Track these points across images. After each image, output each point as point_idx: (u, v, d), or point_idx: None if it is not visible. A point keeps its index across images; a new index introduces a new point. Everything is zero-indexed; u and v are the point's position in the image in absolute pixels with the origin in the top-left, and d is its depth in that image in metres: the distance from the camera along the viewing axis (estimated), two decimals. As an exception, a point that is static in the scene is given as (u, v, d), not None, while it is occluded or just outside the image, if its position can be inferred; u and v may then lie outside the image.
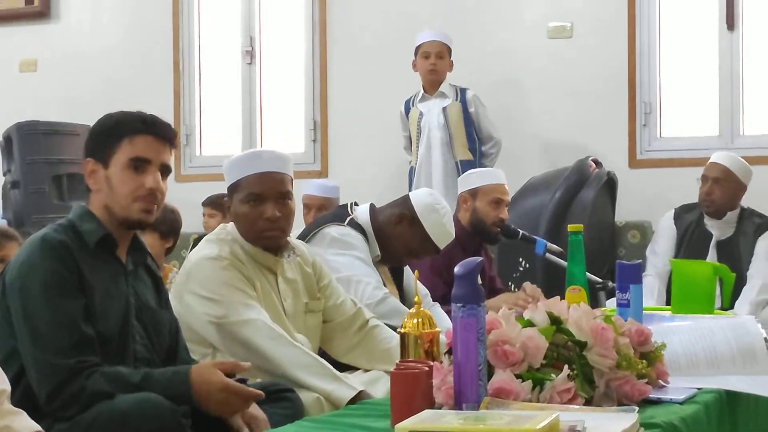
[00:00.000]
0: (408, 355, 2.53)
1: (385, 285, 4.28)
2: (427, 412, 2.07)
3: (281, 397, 3.07)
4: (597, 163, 6.62)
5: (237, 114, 8.30)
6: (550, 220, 6.16)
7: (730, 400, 2.70)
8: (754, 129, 7.01)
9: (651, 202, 6.31)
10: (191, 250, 7.52)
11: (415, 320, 2.56)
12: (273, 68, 8.30)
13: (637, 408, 2.23)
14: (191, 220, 7.15)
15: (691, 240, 6.06)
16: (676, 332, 2.87)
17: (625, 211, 6.78)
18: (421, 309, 2.60)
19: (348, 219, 4.29)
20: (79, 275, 2.81)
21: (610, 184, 6.64)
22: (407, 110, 6.91)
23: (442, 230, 4.33)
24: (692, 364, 2.79)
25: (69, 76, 8.52)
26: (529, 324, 2.38)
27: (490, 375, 2.24)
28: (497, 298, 4.78)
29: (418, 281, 2.77)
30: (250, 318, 3.32)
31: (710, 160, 6.08)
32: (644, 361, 2.46)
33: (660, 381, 2.55)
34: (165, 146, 2.98)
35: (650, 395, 2.42)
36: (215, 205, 7.67)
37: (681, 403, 2.44)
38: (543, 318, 2.40)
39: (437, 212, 4.32)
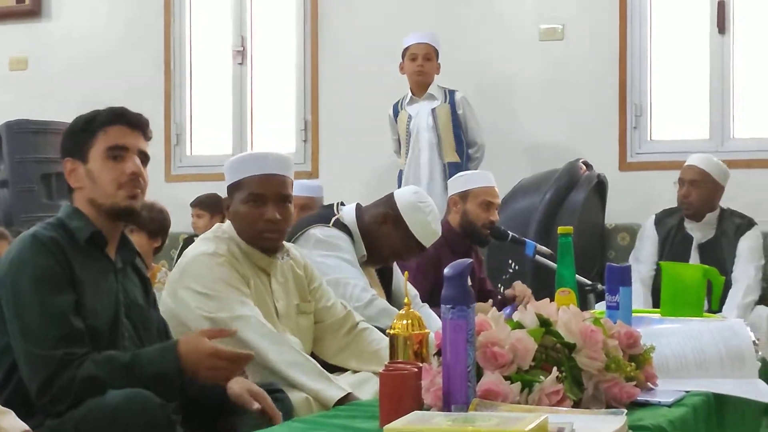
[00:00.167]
0: (397, 356, 2.53)
1: (371, 286, 4.27)
2: (415, 414, 2.07)
3: (272, 397, 3.07)
4: (587, 165, 6.62)
5: (227, 114, 8.29)
6: (540, 222, 6.16)
7: (718, 403, 2.71)
8: (744, 132, 7.02)
9: (641, 205, 6.31)
10: (181, 249, 7.56)
11: (404, 321, 2.56)
12: (264, 68, 8.29)
13: (625, 410, 2.23)
14: (181, 220, 7.14)
15: (673, 244, 6.08)
16: (665, 335, 2.88)
17: (614, 214, 6.79)
18: (411, 310, 2.60)
19: (333, 219, 4.26)
20: (69, 271, 2.83)
21: (600, 187, 6.65)
22: (396, 114, 6.91)
23: (426, 229, 4.28)
24: (681, 367, 2.79)
25: (59, 74, 8.51)
26: (519, 326, 2.38)
27: (478, 376, 2.24)
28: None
29: (407, 282, 2.77)
30: (244, 314, 3.33)
31: (686, 163, 6.11)
32: (633, 363, 2.46)
33: (648, 383, 2.55)
34: (139, 134, 3.04)
35: (639, 398, 2.42)
36: (203, 205, 7.67)
37: (669, 406, 2.44)
38: (532, 320, 2.40)
39: (421, 211, 4.27)
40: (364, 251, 4.29)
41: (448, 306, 2.20)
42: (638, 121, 7.15)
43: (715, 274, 3.65)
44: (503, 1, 7.44)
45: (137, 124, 3.04)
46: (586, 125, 7.18)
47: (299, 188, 6.82)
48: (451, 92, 6.80)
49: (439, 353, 2.28)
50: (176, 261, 7.35)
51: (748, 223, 6.08)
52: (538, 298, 2.58)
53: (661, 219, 6.21)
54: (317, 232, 4.19)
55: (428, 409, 2.24)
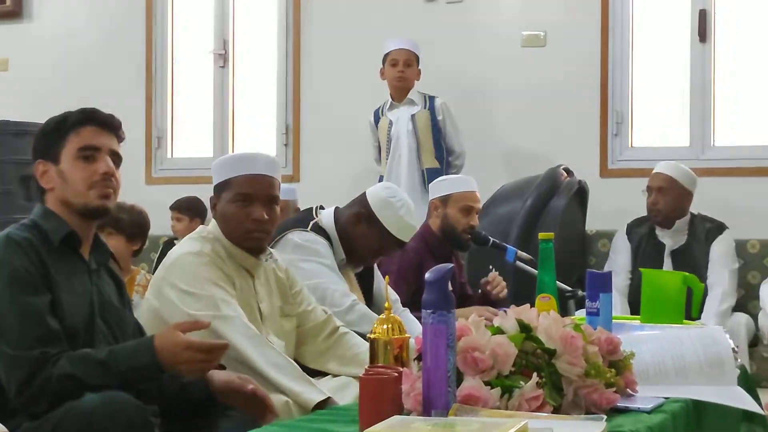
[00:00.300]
0: (377, 360, 2.53)
1: (351, 291, 4.26)
2: (395, 418, 2.07)
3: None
4: (568, 171, 6.63)
5: (208, 117, 8.29)
6: (521, 228, 6.17)
7: (697, 409, 2.71)
8: (724, 140, 7.05)
9: (621, 212, 6.32)
10: (160, 252, 7.54)
11: (384, 326, 2.56)
12: (245, 72, 8.29)
13: (605, 416, 2.23)
14: (161, 223, 7.13)
15: (645, 252, 6.10)
16: (645, 341, 2.88)
17: (595, 220, 6.80)
18: (391, 315, 2.59)
19: (311, 224, 4.26)
20: (44, 271, 2.82)
21: (581, 193, 6.66)
22: (377, 120, 6.92)
23: (400, 223, 4.27)
24: (660, 374, 2.80)
25: (40, 76, 8.49)
26: (499, 331, 2.38)
27: (459, 381, 2.24)
28: (467, 309, 4.73)
29: (388, 286, 2.76)
30: (228, 314, 3.33)
31: (653, 171, 6.14)
32: (613, 369, 2.46)
33: (628, 390, 2.55)
34: (110, 135, 3.03)
35: (618, 404, 2.42)
36: (182, 208, 7.65)
37: (648, 412, 2.44)
38: (513, 325, 2.40)
39: (393, 206, 4.25)
40: (343, 254, 4.28)
41: (428, 311, 2.20)
42: (619, 128, 7.18)
43: (695, 281, 3.65)
44: (485, 8, 7.45)
45: (109, 124, 3.03)
46: (567, 132, 7.19)
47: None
48: (431, 98, 6.82)
49: (419, 358, 2.27)
50: (156, 264, 7.36)
51: (718, 228, 6.11)
52: (518, 303, 2.57)
53: (631, 228, 6.25)
54: (295, 237, 4.18)
55: (408, 414, 2.23)
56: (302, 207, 4.42)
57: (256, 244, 3.53)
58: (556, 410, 2.28)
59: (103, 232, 4.94)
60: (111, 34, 8.43)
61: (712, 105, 7.05)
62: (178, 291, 3.37)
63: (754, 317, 6.04)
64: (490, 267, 5.22)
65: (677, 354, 2.85)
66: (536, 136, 7.27)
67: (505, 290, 5.08)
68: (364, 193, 4.37)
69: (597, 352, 2.44)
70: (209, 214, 7.62)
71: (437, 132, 6.77)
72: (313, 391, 3.23)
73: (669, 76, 7.19)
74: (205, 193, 7.50)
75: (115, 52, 8.40)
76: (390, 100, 6.88)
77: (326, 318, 3.74)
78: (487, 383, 2.25)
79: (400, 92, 6.83)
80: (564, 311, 4.30)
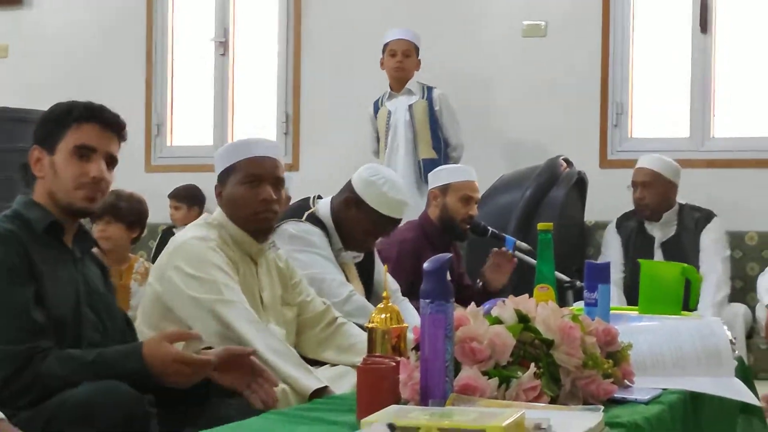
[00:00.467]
0: (375, 350, 2.53)
1: (349, 281, 4.26)
2: (393, 408, 2.07)
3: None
4: (568, 162, 6.63)
5: (209, 105, 8.28)
6: (520, 218, 6.17)
7: (695, 400, 2.72)
8: (724, 131, 7.05)
9: (621, 203, 6.32)
10: (159, 240, 7.55)
11: (383, 315, 2.56)
12: (246, 60, 8.29)
13: (602, 407, 2.23)
14: (159, 211, 7.13)
15: (635, 246, 6.12)
16: (642, 332, 2.88)
17: (594, 211, 6.80)
18: (390, 304, 2.59)
19: (306, 214, 4.26)
20: (28, 262, 2.80)
21: (580, 184, 6.65)
22: (376, 110, 6.92)
23: (387, 200, 4.25)
24: (658, 365, 2.80)
25: (40, 63, 8.48)
26: (497, 321, 2.38)
27: (456, 371, 2.24)
28: None
29: (388, 275, 2.76)
30: (231, 299, 3.33)
31: (636, 166, 6.16)
32: (610, 360, 2.47)
33: (625, 381, 2.55)
34: (112, 136, 2.99)
35: (615, 395, 2.42)
36: (180, 197, 7.67)
37: (646, 403, 2.45)
38: (511, 315, 2.40)
39: (375, 185, 4.25)
40: (340, 243, 4.28)
41: (426, 300, 2.20)
42: (619, 119, 7.17)
43: (693, 272, 3.65)
44: (486, -3, 7.45)
45: (112, 125, 2.99)
46: (567, 122, 7.19)
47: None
48: (430, 89, 6.81)
49: (417, 348, 2.27)
50: (155, 252, 7.36)
51: (707, 216, 6.12)
52: (517, 293, 2.57)
53: (620, 223, 6.27)
54: (290, 227, 4.18)
55: (406, 404, 2.23)
56: (302, 195, 4.41)
57: (264, 225, 3.54)
58: (554, 401, 2.29)
59: (102, 220, 4.95)
60: (111, 21, 8.41)
61: (712, 96, 7.05)
62: (183, 274, 3.37)
63: (752, 309, 6.04)
64: (489, 257, 5.23)
65: (675, 345, 2.85)
66: (536, 127, 7.27)
67: (514, 260, 5.08)
68: (350, 179, 4.37)
69: (595, 342, 2.44)
70: (207, 203, 7.67)
71: (434, 122, 6.76)
72: (311, 379, 3.24)
73: (669, 67, 7.19)
74: (204, 182, 7.58)
75: (115, 39, 8.38)
76: (389, 90, 6.88)
77: (325, 308, 3.75)
78: (484, 373, 2.25)
79: (398, 82, 6.83)
80: (562, 302, 4.30)
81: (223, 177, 3.57)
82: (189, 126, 8.42)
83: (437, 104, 6.78)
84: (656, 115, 7.23)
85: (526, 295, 2.54)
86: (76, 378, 2.70)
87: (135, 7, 8.33)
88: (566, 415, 2.13)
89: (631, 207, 6.25)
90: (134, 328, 3.19)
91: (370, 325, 2.57)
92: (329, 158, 7.60)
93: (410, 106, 6.76)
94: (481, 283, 5.16)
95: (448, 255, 2.29)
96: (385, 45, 6.85)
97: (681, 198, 6.20)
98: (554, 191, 6.40)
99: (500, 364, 2.28)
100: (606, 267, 3.06)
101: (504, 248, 5.13)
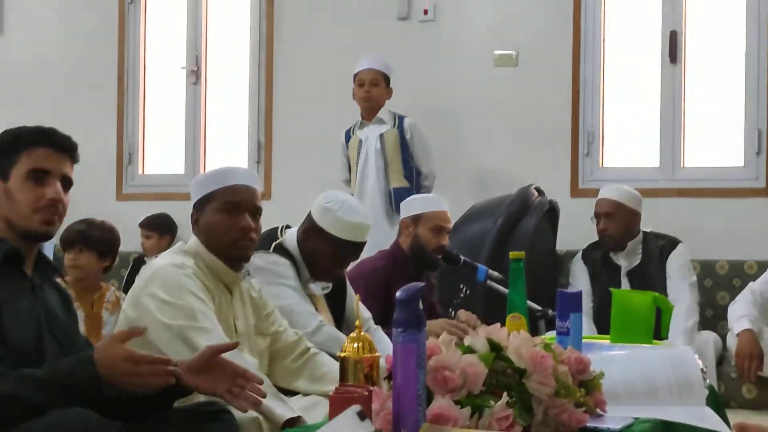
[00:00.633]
0: (348, 379, 2.53)
1: (318, 311, 4.23)
2: (365, 438, 2.06)
3: (217, 418, 3.04)
4: (539, 191, 6.65)
5: (180, 134, 8.27)
6: (492, 247, 6.17)
7: (666, 429, 2.72)
8: (694, 161, 7.09)
9: (592, 232, 6.34)
10: (131, 269, 7.51)
11: (355, 344, 2.56)
12: (218, 88, 8.28)
13: (574, 436, 2.23)
14: (131, 240, 7.11)
15: (602, 275, 6.15)
16: (614, 361, 2.89)
17: (566, 240, 6.82)
18: (362, 333, 2.59)
19: (274, 245, 4.25)
20: None
21: (551, 213, 6.67)
22: (347, 139, 6.93)
23: (345, 224, 4.20)
24: (630, 394, 2.80)
25: (11, 91, 8.45)
26: (470, 350, 2.38)
27: (429, 401, 2.24)
28: (434, 322, 4.67)
29: (360, 304, 2.76)
30: (206, 326, 3.32)
31: (598, 197, 6.19)
32: (583, 389, 2.47)
33: (598, 410, 2.55)
34: (65, 158, 2.96)
35: (588, 424, 2.42)
36: (152, 226, 7.65)
37: (618, 432, 2.45)
38: (483, 344, 2.40)
39: (331, 210, 4.22)
40: (309, 274, 4.27)
41: (399, 329, 2.20)
42: (590, 148, 7.21)
43: (665, 301, 3.66)
44: (458, 27, 7.47)
45: (64, 147, 2.97)
46: (538, 151, 7.22)
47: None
48: (401, 117, 6.83)
49: (389, 377, 2.27)
50: (126, 281, 7.31)
51: (671, 243, 6.16)
52: (489, 323, 2.57)
53: (587, 253, 6.30)
54: (257, 260, 4.13)
55: (378, 433, 2.23)
56: (274, 224, 4.39)
57: (241, 254, 3.54)
58: (526, 430, 2.29)
59: (73, 249, 4.93)
60: (83, 49, 8.40)
61: (682, 126, 7.09)
62: (158, 301, 3.36)
63: (723, 337, 6.07)
64: (461, 287, 5.22)
65: (647, 374, 2.86)
66: (508, 156, 7.29)
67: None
68: (311, 209, 4.36)
69: (567, 371, 2.44)
70: (179, 231, 7.64)
71: (405, 151, 6.77)
72: (284, 408, 3.23)
73: (640, 97, 7.23)
74: (176, 211, 7.57)
75: (87, 67, 8.37)
76: (360, 119, 6.89)
77: (297, 339, 3.75)
78: (457, 402, 2.25)
79: (369, 112, 6.85)
80: (534, 331, 4.31)
81: (201, 204, 3.57)
82: (160, 155, 8.40)
83: (408, 133, 6.79)
84: (627, 145, 7.27)
85: (498, 324, 2.54)
86: (30, 394, 2.62)
87: (106, 35, 8.33)
88: (539, 445, 2.13)
89: (599, 237, 6.28)
90: None
91: (343, 354, 2.56)
92: (301, 187, 7.59)
93: (381, 135, 6.78)
94: (454, 314, 5.15)
95: (421, 284, 2.29)
96: (355, 75, 6.87)
97: (652, 227, 6.23)
98: (526, 220, 6.41)
99: (473, 393, 2.28)
100: (578, 296, 3.07)
101: (461, 312, 5.09)
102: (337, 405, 2.27)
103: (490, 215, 6.43)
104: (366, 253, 5.32)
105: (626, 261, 6.15)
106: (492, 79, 7.38)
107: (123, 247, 5.32)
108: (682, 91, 7.09)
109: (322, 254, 4.24)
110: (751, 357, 5.72)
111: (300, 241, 4.27)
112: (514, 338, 2.43)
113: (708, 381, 3.08)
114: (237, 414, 3.06)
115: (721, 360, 6.09)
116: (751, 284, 5.95)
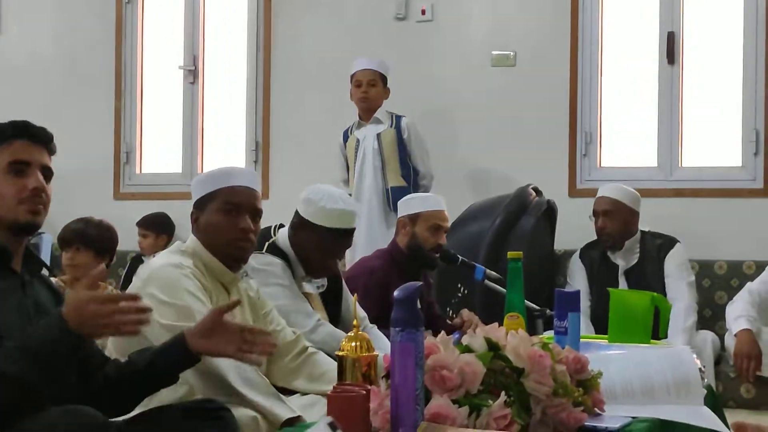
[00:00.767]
0: (345, 378, 2.52)
1: (314, 309, 4.24)
2: (363, 436, 2.06)
3: (216, 416, 3.04)
4: (537, 191, 6.65)
5: (178, 133, 8.26)
6: (490, 247, 6.17)
7: (664, 429, 2.72)
8: (692, 161, 7.09)
9: (590, 231, 6.34)
10: (128, 268, 7.50)
11: (353, 343, 2.55)
12: (215, 88, 8.27)
13: (572, 435, 2.23)
14: (129, 239, 7.10)
15: (599, 275, 6.15)
16: (612, 361, 2.88)
17: (564, 240, 6.82)
18: (360, 332, 2.59)
19: (267, 245, 4.25)
20: None
21: (549, 213, 6.68)
22: (345, 139, 6.93)
23: (328, 212, 4.23)
24: (628, 393, 2.80)
25: (8, 91, 8.44)
26: (467, 350, 2.38)
27: (427, 400, 2.23)
28: None
29: (357, 303, 2.76)
30: None
31: (597, 195, 6.21)
32: (581, 388, 2.47)
33: (596, 409, 2.55)
34: (42, 149, 2.97)
35: (586, 423, 2.42)
36: (149, 225, 7.64)
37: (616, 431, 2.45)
38: (481, 344, 2.40)
39: (312, 201, 4.25)
40: (303, 271, 4.28)
41: (397, 329, 2.20)
42: (588, 148, 7.21)
43: (663, 301, 3.66)
44: (455, 27, 7.47)
45: (41, 138, 2.97)
46: (536, 151, 7.22)
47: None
48: (398, 117, 6.83)
49: (387, 376, 2.27)
50: (124, 280, 7.29)
51: (669, 242, 6.16)
52: (487, 322, 2.57)
53: (584, 252, 6.31)
54: (251, 261, 4.15)
55: (376, 432, 2.23)
56: (271, 224, 4.40)
57: (240, 254, 3.54)
58: (524, 429, 2.29)
59: (70, 248, 4.92)
60: (80, 48, 8.40)
61: (679, 126, 7.09)
62: (156, 301, 3.34)
63: (721, 337, 6.06)
64: (459, 286, 5.22)
65: (644, 374, 2.86)
66: (505, 156, 7.29)
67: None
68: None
69: (565, 371, 2.44)
70: (177, 231, 7.64)
71: (403, 151, 6.77)
72: (283, 408, 3.23)
73: (637, 97, 7.23)
74: (173, 210, 7.56)
75: (84, 67, 8.37)
76: (358, 119, 6.89)
77: (295, 338, 3.74)
78: (455, 401, 2.24)
79: (366, 112, 6.85)
80: (532, 330, 4.30)
81: (201, 204, 3.57)
82: (158, 154, 8.40)
83: (405, 132, 6.79)
84: (625, 145, 7.27)
85: (496, 324, 2.54)
86: (10, 364, 2.57)
87: (104, 35, 8.32)
88: (537, 444, 2.13)
89: (597, 236, 6.28)
90: (95, 347, 3.12)
91: (341, 353, 2.56)
92: (299, 186, 7.53)
93: (378, 135, 6.77)
94: (452, 313, 5.14)
95: (418, 283, 2.29)
96: (352, 75, 6.87)
97: (649, 227, 6.23)
98: (524, 220, 6.42)
99: (470, 392, 2.28)
100: (576, 295, 3.07)
101: (464, 313, 5.10)
102: (336, 404, 2.26)
103: (489, 215, 6.44)
104: (363, 252, 5.33)
105: (624, 260, 6.16)
106: (490, 79, 7.38)
107: (120, 246, 5.31)
108: (679, 92, 7.09)
109: (313, 246, 4.25)
110: (749, 357, 5.71)
111: (290, 237, 4.29)
112: (512, 338, 2.43)
113: (706, 380, 3.08)
114: (236, 413, 3.07)
115: (719, 360, 6.09)
116: (749, 284, 5.95)
